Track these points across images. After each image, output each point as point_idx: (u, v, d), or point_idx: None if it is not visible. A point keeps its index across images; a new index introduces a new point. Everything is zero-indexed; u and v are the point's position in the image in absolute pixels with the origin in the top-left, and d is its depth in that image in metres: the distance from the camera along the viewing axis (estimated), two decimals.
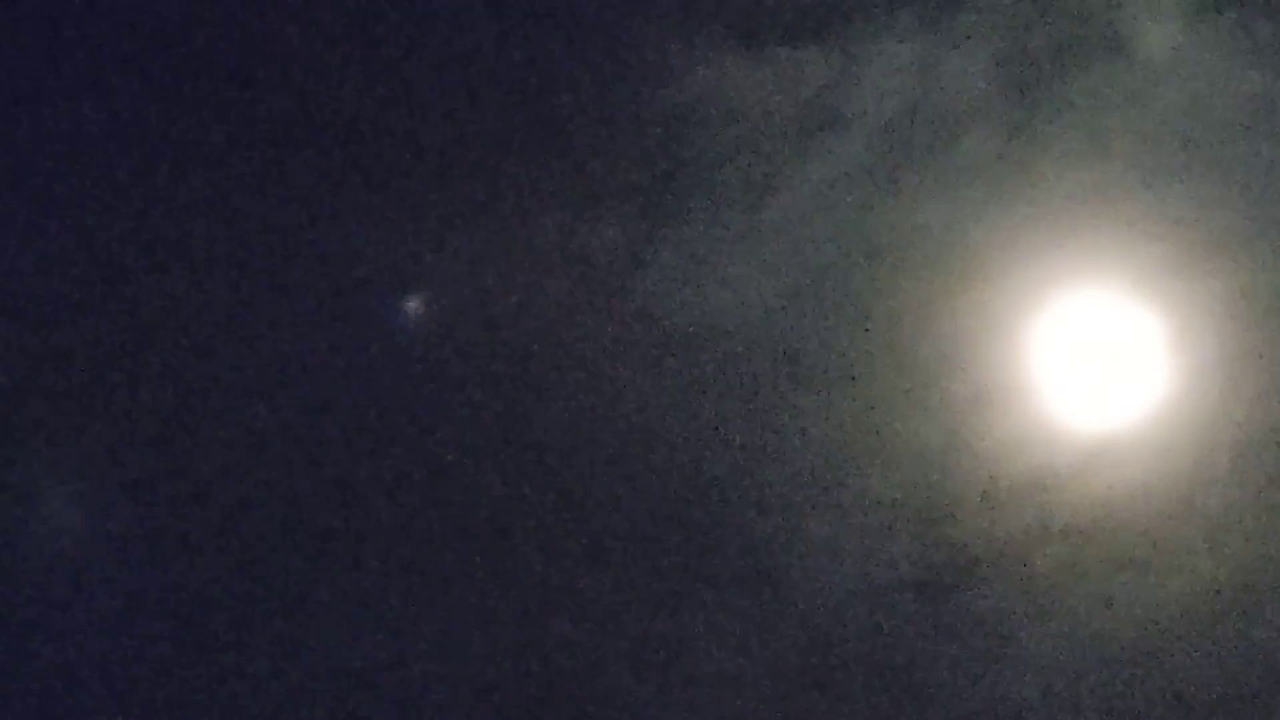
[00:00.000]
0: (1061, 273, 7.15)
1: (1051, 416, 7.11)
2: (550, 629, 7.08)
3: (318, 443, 7.15)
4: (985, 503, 7.06)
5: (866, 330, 7.19)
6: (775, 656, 7.07)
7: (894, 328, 7.19)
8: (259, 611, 7.14)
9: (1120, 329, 7.13)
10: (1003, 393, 7.12)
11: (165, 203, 7.27)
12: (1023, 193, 7.23)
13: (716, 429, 7.13)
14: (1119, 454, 7.05)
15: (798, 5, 7.26)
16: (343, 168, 7.27)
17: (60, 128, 7.33)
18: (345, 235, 7.23)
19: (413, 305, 7.23)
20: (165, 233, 7.26)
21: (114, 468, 7.20)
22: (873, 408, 7.12)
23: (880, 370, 7.15)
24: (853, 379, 7.16)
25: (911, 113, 7.28)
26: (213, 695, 7.09)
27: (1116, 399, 7.12)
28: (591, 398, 7.16)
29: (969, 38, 7.24)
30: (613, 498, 7.12)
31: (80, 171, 7.31)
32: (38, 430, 7.20)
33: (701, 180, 7.25)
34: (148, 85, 7.34)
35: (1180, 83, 7.25)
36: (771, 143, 7.26)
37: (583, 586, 7.09)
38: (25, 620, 7.15)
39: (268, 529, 7.14)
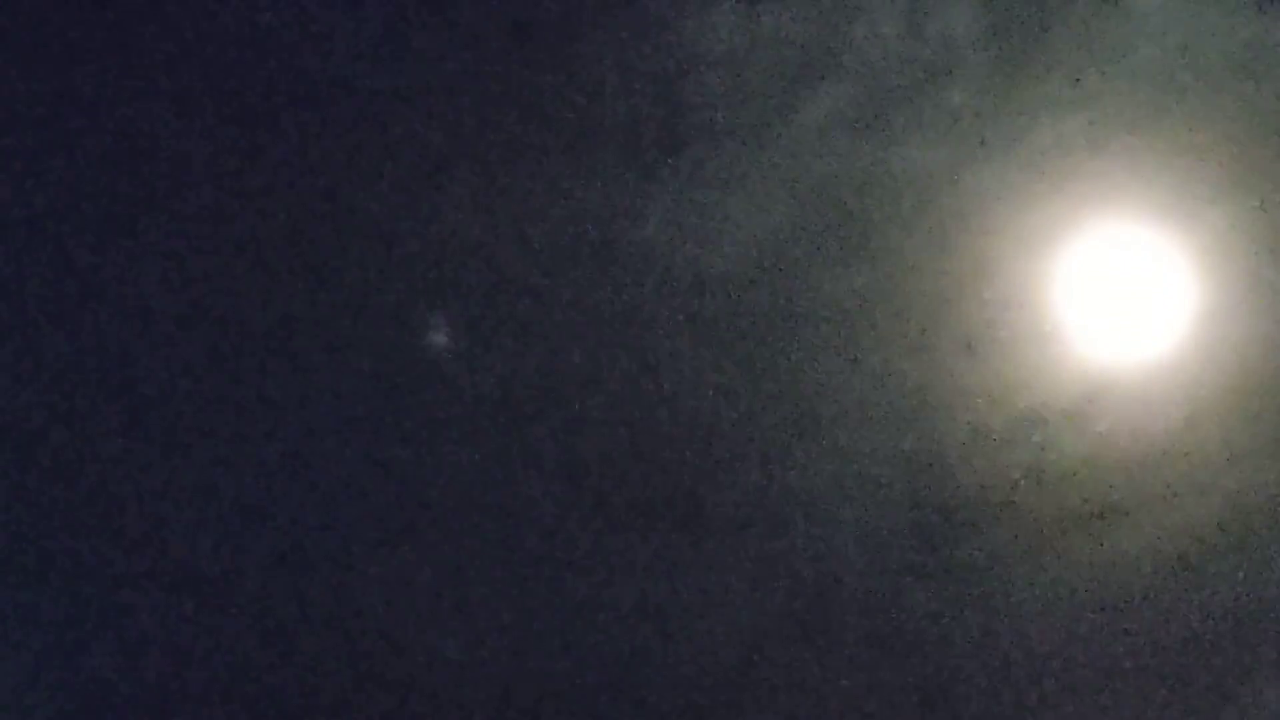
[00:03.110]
0: (1053, 217, 7.13)
1: (1043, 361, 7.07)
2: (543, 580, 7.05)
3: (314, 410, 7.11)
4: (977, 447, 7.03)
5: (859, 276, 7.18)
6: (767, 605, 7.03)
7: (886, 273, 7.17)
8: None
9: (1112, 274, 7.10)
10: (993, 338, 7.10)
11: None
12: (1013, 138, 7.22)
13: (711, 375, 7.11)
14: (1112, 398, 7.01)
15: None
16: (326, 122, 7.26)
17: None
18: (334, 192, 7.21)
19: (401, 262, 7.19)
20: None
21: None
22: (867, 351, 7.10)
23: (873, 315, 7.13)
24: (845, 325, 7.14)
25: (901, 59, 7.28)
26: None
27: (1108, 344, 7.09)
28: (587, 347, 7.14)
29: None
30: (608, 447, 7.09)
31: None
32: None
33: (692, 130, 7.23)
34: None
35: (1172, 28, 7.26)
36: (763, 91, 7.24)
37: (577, 537, 7.06)
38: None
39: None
